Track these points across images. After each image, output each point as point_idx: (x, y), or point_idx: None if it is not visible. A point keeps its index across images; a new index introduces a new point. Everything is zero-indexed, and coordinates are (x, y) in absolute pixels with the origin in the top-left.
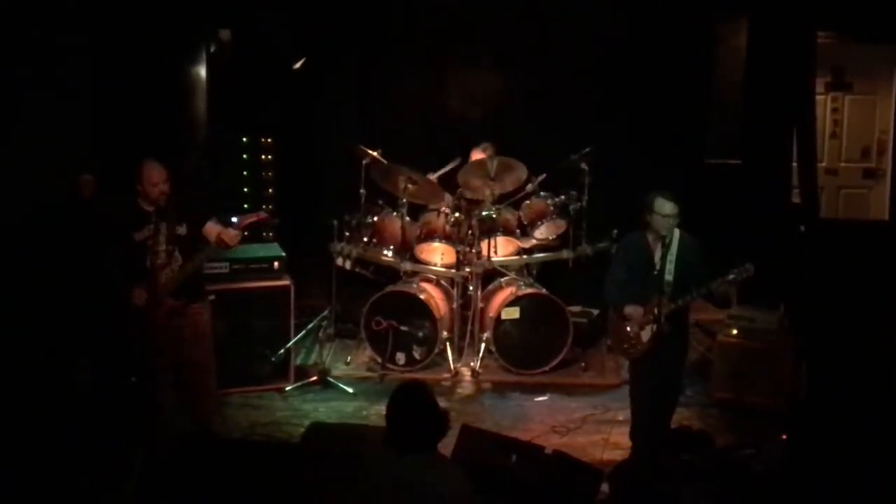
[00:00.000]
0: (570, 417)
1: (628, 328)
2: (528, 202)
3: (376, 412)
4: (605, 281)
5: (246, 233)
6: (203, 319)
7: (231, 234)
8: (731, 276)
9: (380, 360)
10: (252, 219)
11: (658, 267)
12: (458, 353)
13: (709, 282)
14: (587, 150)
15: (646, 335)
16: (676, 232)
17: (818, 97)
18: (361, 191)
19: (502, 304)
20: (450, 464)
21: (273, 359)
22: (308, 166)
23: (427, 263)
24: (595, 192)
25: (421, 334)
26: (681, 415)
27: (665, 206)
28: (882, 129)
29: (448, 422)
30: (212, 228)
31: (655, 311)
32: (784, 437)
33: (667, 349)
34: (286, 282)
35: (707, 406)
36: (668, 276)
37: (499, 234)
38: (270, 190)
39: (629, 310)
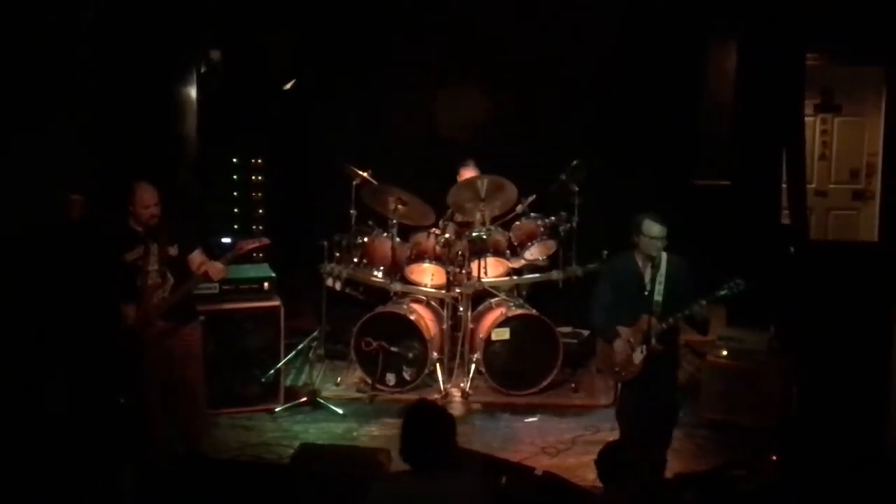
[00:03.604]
0: (560, 438)
1: (618, 350)
2: (518, 223)
3: (366, 433)
4: (591, 303)
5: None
6: (194, 340)
7: (217, 269)
8: (723, 292)
9: (370, 380)
10: (253, 245)
11: (648, 288)
12: (448, 373)
13: (699, 299)
14: (574, 162)
15: (637, 357)
16: (663, 254)
17: (807, 119)
18: (352, 211)
19: (492, 324)
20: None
21: (263, 379)
22: (298, 187)
23: (417, 284)
24: (585, 213)
25: (411, 355)
26: None
27: (653, 228)
28: (871, 151)
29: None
30: (196, 258)
31: (645, 331)
32: (774, 457)
33: (657, 369)
34: (276, 302)
35: (696, 427)
36: (658, 297)
37: (489, 254)
38: (261, 210)
39: (619, 331)
